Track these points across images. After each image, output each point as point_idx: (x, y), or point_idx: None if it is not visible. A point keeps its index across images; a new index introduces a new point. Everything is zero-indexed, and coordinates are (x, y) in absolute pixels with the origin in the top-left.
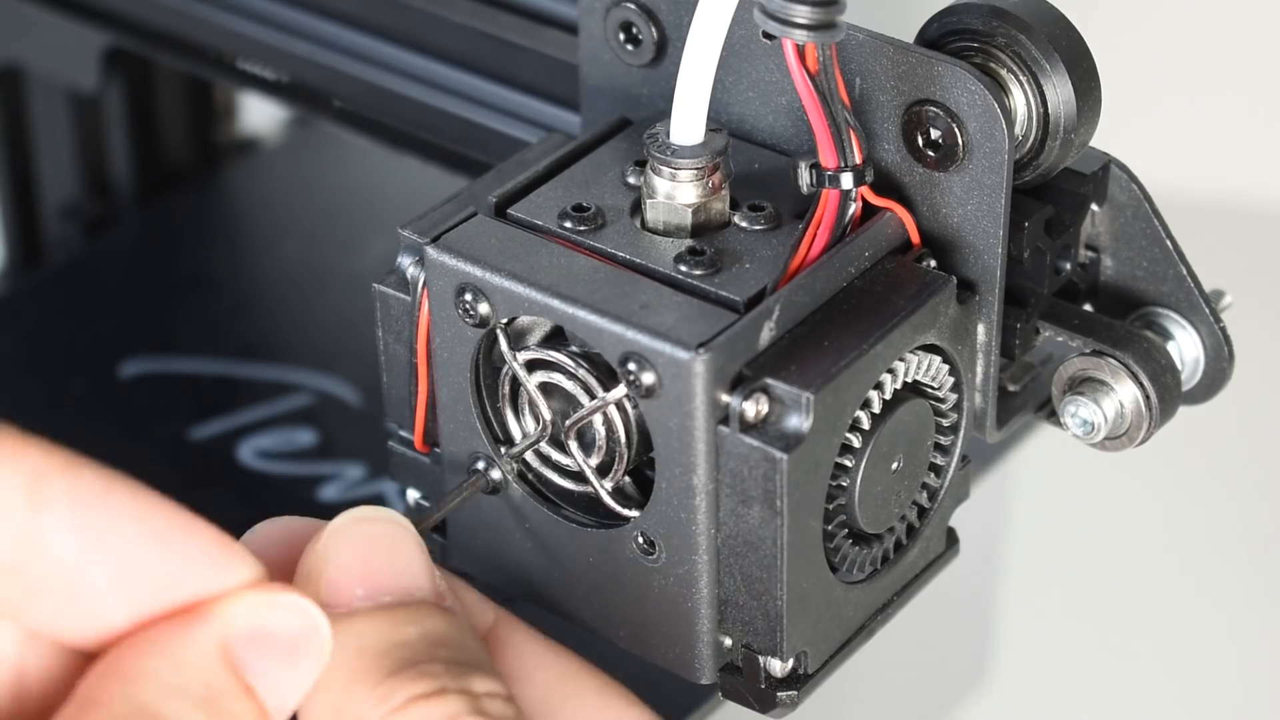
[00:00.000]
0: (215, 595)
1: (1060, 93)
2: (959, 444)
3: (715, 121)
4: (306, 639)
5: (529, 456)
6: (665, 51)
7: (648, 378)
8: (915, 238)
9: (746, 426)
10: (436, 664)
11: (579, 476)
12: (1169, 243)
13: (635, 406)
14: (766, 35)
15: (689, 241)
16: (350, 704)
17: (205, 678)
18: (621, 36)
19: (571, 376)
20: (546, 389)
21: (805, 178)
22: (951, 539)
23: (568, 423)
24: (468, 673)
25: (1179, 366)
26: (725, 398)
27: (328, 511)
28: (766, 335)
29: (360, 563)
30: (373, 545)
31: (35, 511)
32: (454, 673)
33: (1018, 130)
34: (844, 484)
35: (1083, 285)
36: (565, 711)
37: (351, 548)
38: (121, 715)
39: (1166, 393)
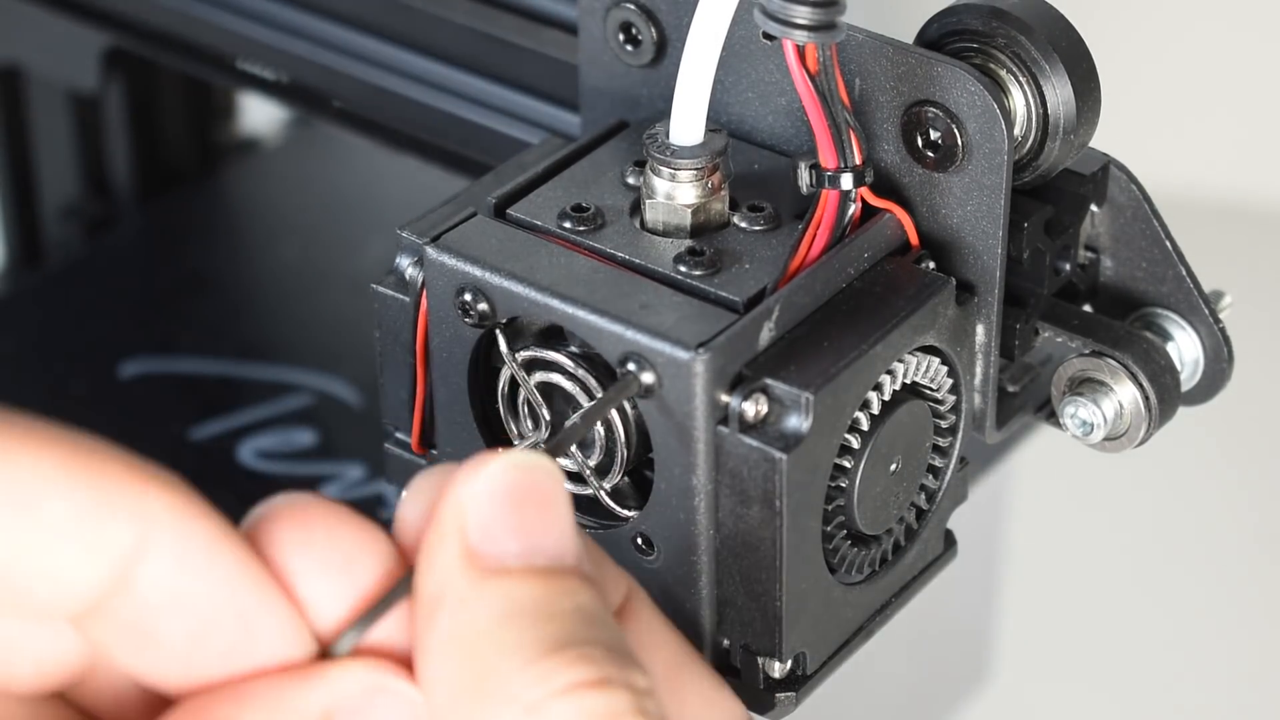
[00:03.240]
0: (276, 667)
1: (1060, 93)
2: (957, 446)
3: (715, 122)
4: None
5: None
6: (665, 52)
7: (647, 378)
8: (914, 239)
9: (746, 427)
10: (597, 648)
11: (577, 477)
12: (1168, 243)
13: (634, 407)
14: (767, 36)
15: (688, 242)
16: (499, 674)
17: None
18: (621, 37)
19: (570, 377)
20: (545, 389)
21: (805, 178)
22: (950, 541)
23: (567, 423)
24: (628, 665)
25: (1178, 367)
26: (725, 398)
27: None
28: (766, 335)
29: (515, 514)
30: (529, 496)
31: (139, 556)
32: (616, 662)
33: (1017, 131)
34: (843, 485)
35: (1082, 286)
36: (679, 698)
37: (508, 495)
38: None
39: (1166, 393)
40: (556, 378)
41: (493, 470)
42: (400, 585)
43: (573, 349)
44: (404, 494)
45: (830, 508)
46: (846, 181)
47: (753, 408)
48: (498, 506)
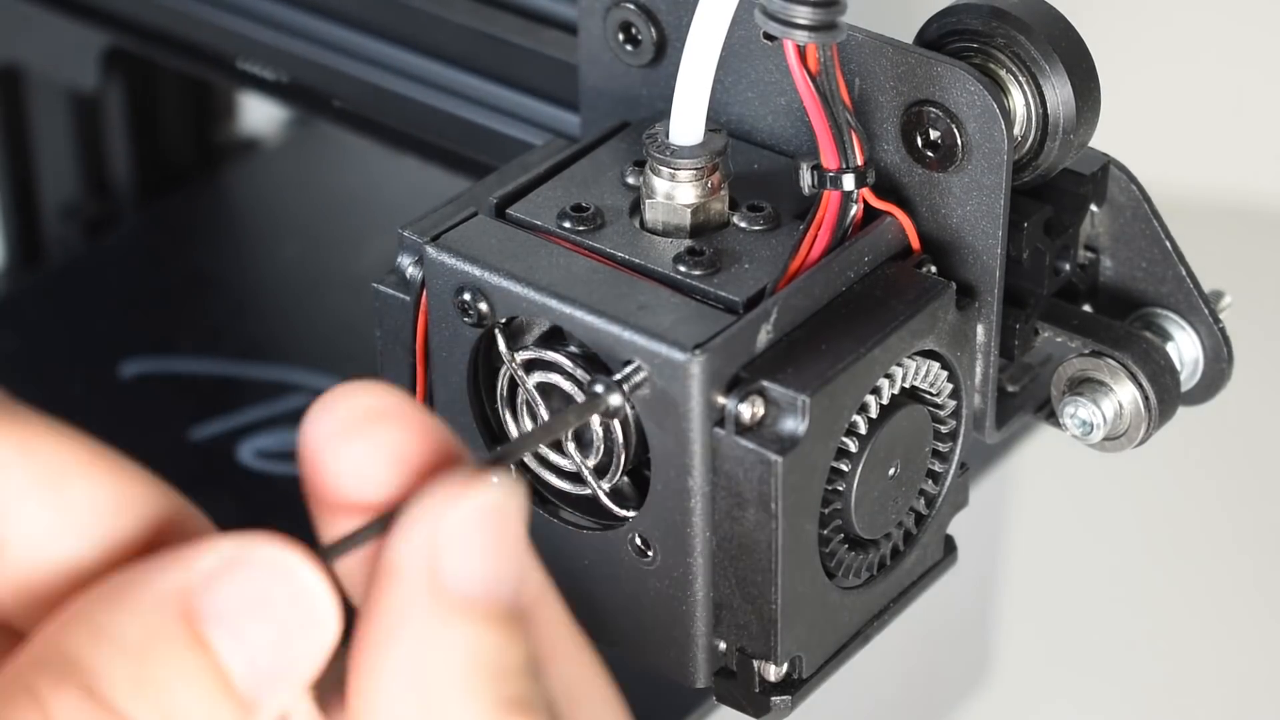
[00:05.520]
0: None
1: (1059, 93)
2: (957, 451)
3: (714, 122)
4: (290, 601)
5: (526, 458)
6: (665, 52)
7: (614, 399)
8: (915, 243)
9: (742, 429)
10: (543, 713)
11: (576, 478)
12: (1168, 243)
13: (633, 406)
14: (767, 36)
15: (688, 242)
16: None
17: (146, 624)
18: (621, 37)
19: (569, 377)
20: (544, 389)
21: (807, 179)
22: (950, 547)
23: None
24: None
25: (1178, 367)
26: (721, 399)
27: None
28: (764, 337)
29: (491, 554)
30: (503, 533)
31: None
32: None
33: (1017, 131)
34: (840, 488)
35: (1082, 286)
36: (575, 716)
37: (488, 532)
38: (40, 659)
39: (1165, 393)
40: (555, 378)
41: (474, 504)
42: (370, 526)
43: (572, 349)
44: (316, 412)
45: (827, 511)
46: (848, 182)
47: (749, 410)
48: (475, 545)
